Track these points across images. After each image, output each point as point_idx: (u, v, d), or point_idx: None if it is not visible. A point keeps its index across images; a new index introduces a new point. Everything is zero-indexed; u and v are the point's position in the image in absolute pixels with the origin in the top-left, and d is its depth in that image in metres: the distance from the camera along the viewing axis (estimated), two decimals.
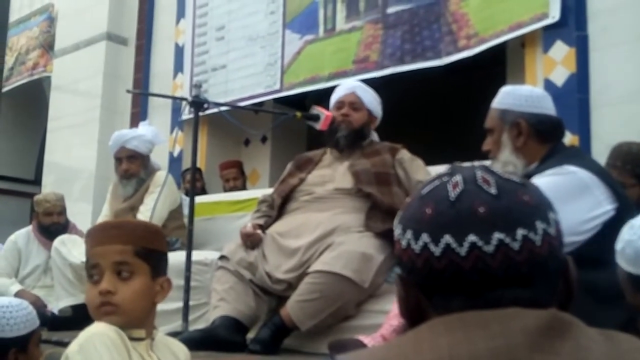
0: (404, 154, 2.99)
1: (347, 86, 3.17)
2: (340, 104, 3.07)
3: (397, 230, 0.75)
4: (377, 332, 2.16)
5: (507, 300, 0.67)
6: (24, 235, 4.22)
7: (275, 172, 5.40)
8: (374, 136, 3.17)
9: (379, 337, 2.12)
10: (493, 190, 0.70)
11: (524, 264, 0.68)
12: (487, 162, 2.12)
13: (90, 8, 6.35)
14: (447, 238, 0.69)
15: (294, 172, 3.11)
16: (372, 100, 3.10)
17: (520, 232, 0.68)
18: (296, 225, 2.80)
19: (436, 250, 0.69)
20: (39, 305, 3.73)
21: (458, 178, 0.72)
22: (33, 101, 7.51)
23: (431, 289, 0.70)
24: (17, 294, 3.81)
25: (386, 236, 2.66)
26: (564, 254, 0.72)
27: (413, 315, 0.73)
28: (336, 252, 2.55)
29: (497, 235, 0.68)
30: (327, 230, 2.68)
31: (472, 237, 0.68)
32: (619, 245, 1.48)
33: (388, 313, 2.26)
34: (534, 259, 0.68)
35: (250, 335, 2.66)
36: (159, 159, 4.32)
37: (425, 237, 0.70)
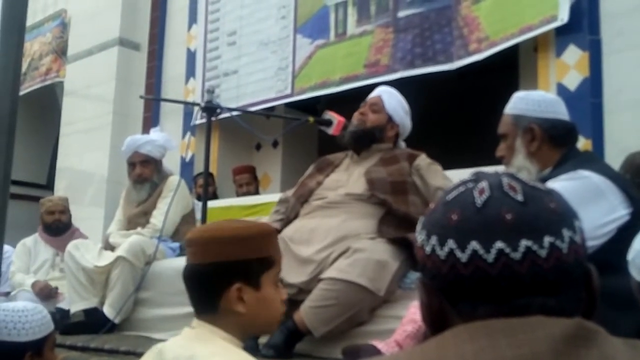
0: (422, 160, 2.96)
1: (377, 90, 3.18)
2: (363, 104, 3.09)
3: (420, 236, 0.75)
4: (390, 338, 2.16)
5: (533, 307, 0.67)
6: (31, 238, 4.60)
7: (287, 177, 5.41)
8: (402, 145, 3.16)
9: (393, 342, 2.12)
10: (520, 197, 0.70)
11: (550, 272, 0.67)
12: (499, 167, 2.12)
13: (102, 14, 6.39)
14: (474, 244, 0.68)
15: (314, 175, 3.11)
16: (396, 107, 3.09)
17: (547, 240, 0.68)
18: (307, 230, 2.80)
19: (462, 256, 0.69)
20: (50, 289, 4.15)
21: (484, 184, 0.72)
22: (46, 106, 7.56)
23: (456, 295, 0.70)
24: (33, 285, 4.19)
25: (399, 242, 2.66)
26: (587, 262, 0.72)
27: (435, 321, 0.73)
28: (352, 259, 2.54)
29: (524, 242, 0.67)
30: (338, 237, 2.68)
31: (499, 244, 0.68)
32: (631, 255, 1.48)
33: (401, 318, 2.26)
34: (560, 266, 0.68)
35: (262, 339, 2.66)
36: (171, 163, 4.35)
37: (451, 243, 0.70)
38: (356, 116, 3.06)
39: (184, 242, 3.51)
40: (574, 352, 0.62)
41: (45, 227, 4.53)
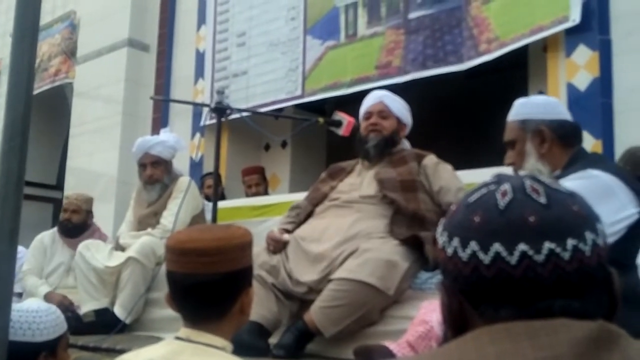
0: (429, 160, 3.00)
1: (374, 96, 3.18)
2: (368, 115, 3.10)
3: (442, 238, 0.75)
4: (402, 338, 2.16)
5: (556, 310, 0.67)
6: (50, 234, 4.28)
7: (295, 177, 5.41)
8: (405, 144, 3.18)
9: (405, 343, 2.12)
10: (543, 200, 0.70)
11: (574, 274, 0.68)
12: (510, 167, 2.12)
13: (111, 15, 6.41)
14: (497, 246, 0.68)
15: (327, 180, 3.15)
16: (400, 108, 3.12)
17: (570, 242, 0.68)
18: (319, 229, 2.82)
19: (485, 258, 0.69)
20: (67, 304, 3.78)
21: (506, 187, 0.72)
22: (55, 107, 7.58)
23: (478, 297, 0.70)
24: (46, 296, 3.86)
25: (410, 242, 2.67)
26: (609, 265, 0.72)
27: (456, 323, 0.73)
28: (361, 259, 2.55)
29: (547, 245, 0.67)
30: (348, 236, 2.69)
31: (522, 246, 0.68)
32: None
33: (412, 319, 2.26)
34: (583, 269, 0.68)
35: (273, 340, 2.67)
36: (180, 163, 4.35)
37: (473, 245, 0.70)
38: (367, 128, 3.07)
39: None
40: (596, 355, 0.62)
41: (60, 225, 4.26)
